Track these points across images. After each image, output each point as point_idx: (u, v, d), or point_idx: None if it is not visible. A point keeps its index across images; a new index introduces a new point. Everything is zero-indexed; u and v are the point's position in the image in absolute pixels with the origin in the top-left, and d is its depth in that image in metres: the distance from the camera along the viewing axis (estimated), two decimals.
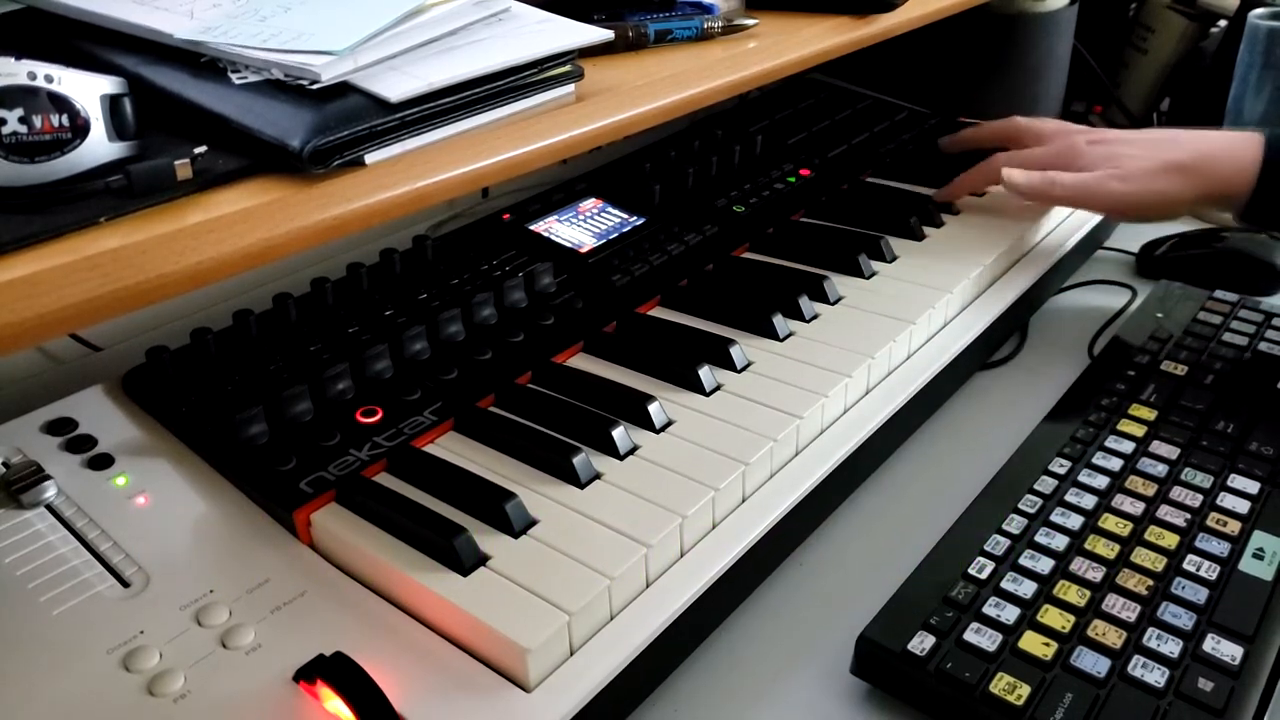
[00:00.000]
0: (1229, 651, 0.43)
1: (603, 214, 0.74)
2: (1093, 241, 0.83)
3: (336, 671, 0.38)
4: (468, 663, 0.41)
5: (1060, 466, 0.55)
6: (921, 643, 0.44)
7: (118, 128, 0.43)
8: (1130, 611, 0.45)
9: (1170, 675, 0.42)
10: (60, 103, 0.41)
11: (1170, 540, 0.49)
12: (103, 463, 0.50)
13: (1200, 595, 0.46)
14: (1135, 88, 1.13)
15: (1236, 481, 0.53)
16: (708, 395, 0.54)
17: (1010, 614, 0.45)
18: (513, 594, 0.41)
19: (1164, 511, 0.51)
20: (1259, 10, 0.87)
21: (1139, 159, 0.66)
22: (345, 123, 0.46)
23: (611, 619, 0.43)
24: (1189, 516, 0.51)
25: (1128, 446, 0.56)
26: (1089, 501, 0.52)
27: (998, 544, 0.50)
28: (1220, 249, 0.81)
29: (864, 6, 0.76)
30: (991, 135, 0.80)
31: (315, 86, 0.48)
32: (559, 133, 0.54)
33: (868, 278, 0.67)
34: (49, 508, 0.47)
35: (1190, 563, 0.48)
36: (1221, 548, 0.49)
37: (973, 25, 0.99)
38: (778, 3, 0.77)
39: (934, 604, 0.46)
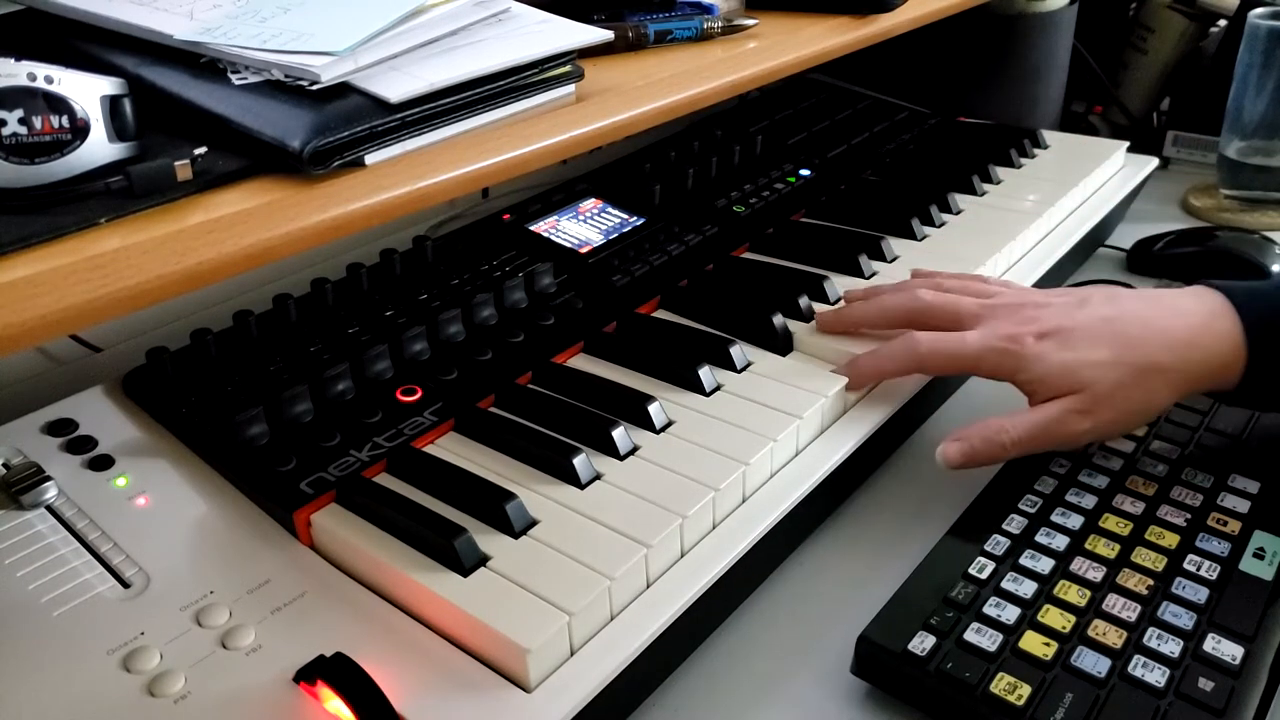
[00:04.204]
0: (1229, 651, 0.43)
1: (603, 214, 0.74)
2: (1093, 240, 0.83)
3: (337, 672, 0.38)
4: (468, 663, 0.41)
5: (1060, 466, 0.55)
6: (922, 643, 0.44)
7: (118, 129, 0.43)
8: (1130, 611, 0.45)
9: (1171, 675, 0.42)
10: (60, 104, 0.41)
11: (1170, 540, 0.49)
12: (103, 464, 0.50)
13: (1200, 595, 0.46)
14: (1135, 88, 1.13)
15: (1237, 481, 0.53)
16: (708, 395, 0.54)
17: (1010, 614, 0.45)
18: (513, 594, 0.41)
19: (1164, 511, 0.51)
20: (1259, 10, 0.87)
21: (1104, 369, 0.51)
22: (345, 123, 0.46)
23: (612, 619, 0.43)
24: (1189, 516, 0.51)
25: (1128, 446, 0.56)
26: (1089, 501, 0.52)
27: (998, 544, 0.49)
28: (1212, 247, 0.81)
29: (864, 6, 0.76)
30: (887, 322, 0.59)
31: (315, 87, 0.48)
32: (559, 133, 0.54)
33: (868, 278, 0.67)
34: (49, 509, 0.47)
35: (1190, 562, 0.48)
36: (1222, 547, 0.49)
37: (973, 25, 0.99)
38: (778, 3, 0.77)
39: (934, 604, 0.46)
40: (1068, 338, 0.53)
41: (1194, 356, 0.52)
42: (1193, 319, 0.52)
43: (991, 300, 0.57)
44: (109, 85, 0.43)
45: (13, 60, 0.40)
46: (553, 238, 0.70)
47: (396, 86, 0.48)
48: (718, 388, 0.55)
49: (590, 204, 0.75)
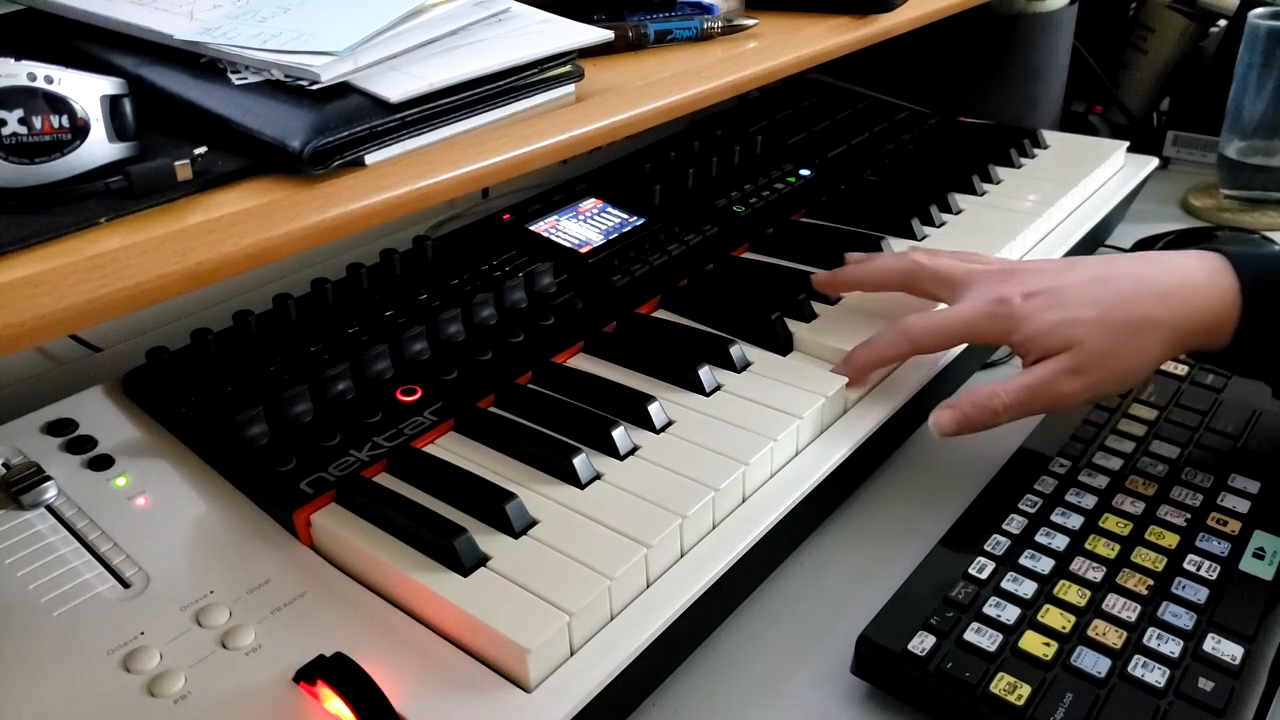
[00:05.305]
0: (1229, 651, 0.43)
1: (603, 214, 0.74)
2: (1093, 240, 0.83)
3: (337, 672, 0.38)
4: (468, 663, 0.41)
5: (1060, 466, 0.55)
6: (922, 643, 0.44)
7: (118, 128, 0.43)
8: (1130, 611, 0.45)
9: (1170, 675, 0.42)
10: (60, 104, 0.41)
11: (1170, 540, 0.49)
12: (103, 463, 0.50)
13: (1200, 595, 0.46)
14: (1135, 88, 1.13)
15: (1237, 481, 0.53)
16: (708, 395, 0.54)
17: (1010, 614, 0.45)
18: (513, 594, 0.41)
19: (1164, 511, 0.51)
20: (1259, 10, 0.87)
21: (1092, 326, 0.51)
22: (345, 123, 0.46)
23: (612, 619, 0.43)
24: (1189, 516, 0.51)
25: (1128, 446, 0.56)
26: (1089, 501, 0.52)
27: (998, 544, 0.50)
28: (1211, 248, 0.81)
29: (864, 6, 0.76)
30: (881, 283, 0.61)
31: (315, 87, 0.48)
32: (559, 133, 0.54)
33: None
34: (49, 508, 0.47)
35: (1190, 562, 0.48)
36: (1222, 547, 0.49)
37: (973, 25, 0.99)
38: (778, 3, 0.77)
39: (934, 604, 0.46)
40: (1057, 296, 0.52)
41: (1186, 310, 0.51)
42: (1190, 274, 0.52)
43: (984, 266, 0.57)
44: (109, 85, 0.43)
45: (13, 60, 0.40)
46: (553, 238, 0.70)
47: (396, 86, 0.48)
48: (718, 388, 0.55)
49: (590, 204, 0.75)
